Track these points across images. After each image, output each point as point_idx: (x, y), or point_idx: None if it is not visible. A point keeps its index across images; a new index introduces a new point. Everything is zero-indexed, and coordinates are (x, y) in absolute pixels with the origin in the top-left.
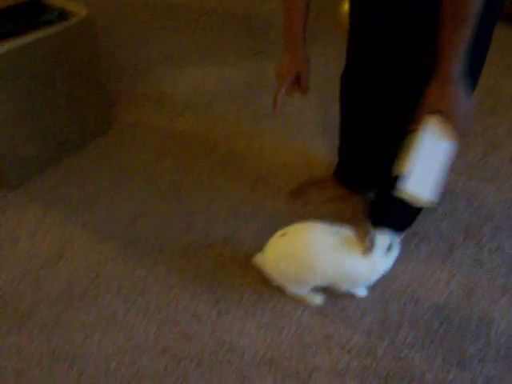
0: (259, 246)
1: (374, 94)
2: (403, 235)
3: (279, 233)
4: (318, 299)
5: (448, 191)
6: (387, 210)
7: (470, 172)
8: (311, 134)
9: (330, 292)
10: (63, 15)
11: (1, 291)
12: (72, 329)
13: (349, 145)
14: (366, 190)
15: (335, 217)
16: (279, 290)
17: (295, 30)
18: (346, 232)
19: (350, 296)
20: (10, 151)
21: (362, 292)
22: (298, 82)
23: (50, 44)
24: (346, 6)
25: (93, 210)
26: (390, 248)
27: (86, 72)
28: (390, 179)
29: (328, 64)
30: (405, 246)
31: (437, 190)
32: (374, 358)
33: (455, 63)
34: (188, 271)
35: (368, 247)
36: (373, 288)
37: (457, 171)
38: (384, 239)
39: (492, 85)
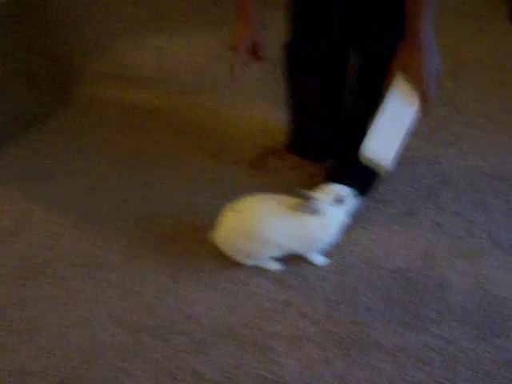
0: (218, 215)
1: (323, 63)
2: (363, 200)
3: (229, 208)
4: (275, 265)
5: (409, 155)
6: (345, 176)
7: (431, 136)
8: (270, 102)
9: (288, 260)
10: None
11: None
12: (29, 303)
13: (299, 117)
14: (322, 158)
15: (294, 185)
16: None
17: None
18: (291, 201)
19: (308, 263)
20: None
21: (321, 260)
22: (254, 51)
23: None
24: None
25: (50, 185)
26: (341, 201)
27: (39, 44)
28: (347, 145)
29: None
30: (364, 210)
31: (397, 158)
32: (332, 323)
33: (425, 22)
34: (146, 242)
35: (309, 212)
36: (332, 254)
37: (418, 136)
38: (329, 193)
39: (455, 49)
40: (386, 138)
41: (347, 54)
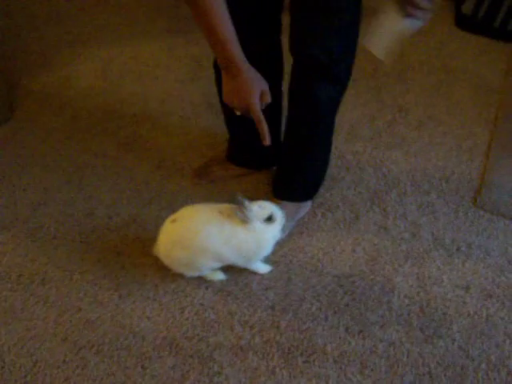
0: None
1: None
2: (309, 207)
3: (168, 220)
4: (219, 276)
5: (355, 160)
6: (288, 182)
7: (378, 140)
8: (217, 111)
9: (232, 270)
10: None
11: None
12: None
13: (235, 127)
14: (262, 166)
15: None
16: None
17: (235, 46)
18: (229, 208)
19: (252, 272)
20: None
21: (264, 269)
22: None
23: None
24: None
25: None
26: (270, 218)
27: None
28: (286, 153)
29: None
30: (310, 216)
31: (392, 55)
32: (276, 332)
33: None
34: (90, 257)
35: (241, 218)
36: (276, 262)
37: (364, 139)
38: (263, 210)
39: (402, 51)
40: (382, 35)
41: (279, 58)
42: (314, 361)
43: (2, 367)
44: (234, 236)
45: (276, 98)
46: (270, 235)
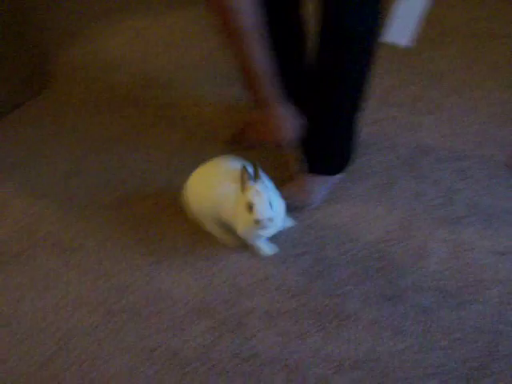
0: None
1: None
2: (343, 175)
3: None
4: (269, 248)
5: (389, 125)
6: (319, 154)
7: (411, 106)
8: None
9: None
10: None
11: None
12: (5, 291)
13: None
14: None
15: (270, 161)
16: (215, 238)
17: (270, 84)
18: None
19: (286, 237)
20: None
21: (266, 250)
22: None
23: None
24: None
25: (26, 172)
26: (250, 208)
27: (11, 29)
28: (316, 129)
29: None
30: (344, 182)
31: (414, 37)
32: (308, 297)
33: None
34: (123, 224)
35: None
36: (311, 227)
37: (397, 105)
38: (252, 196)
39: (436, 15)
40: (402, 21)
41: (301, 35)
42: (346, 326)
43: (40, 331)
44: (227, 199)
45: (298, 74)
46: (246, 221)
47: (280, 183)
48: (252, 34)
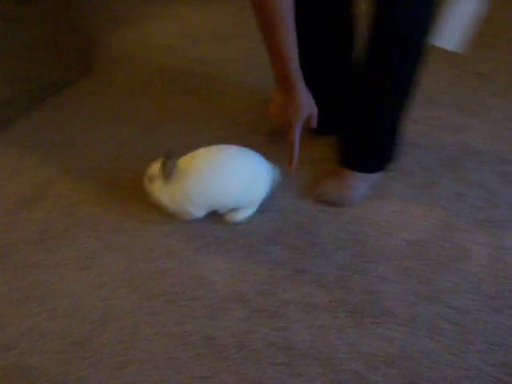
0: None
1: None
2: (384, 173)
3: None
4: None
5: (433, 125)
6: (361, 151)
7: (456, 106)
8: None
9: (304, 228)
10: None
11: None
12: (47, 268)
13: (312, 84)
14: (334, 132)
15: (312, 154)
16: (254, 229)
17: (294, 64)
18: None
19: (325, 232)
20: None
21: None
22: (306, 123)
23: None
24: None
25: (71, 152)
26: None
27: (60, 12)
28: (360, 118)
29: None
30: (384, 180)
31: (466, 42)
32: (345, 291)
33: None
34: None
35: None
36: (348, 223)
37: (442, 105)
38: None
39: (488, 15)
40: (453, 27)
41: (350, 33)
42: (381, 322)
43: (79, 309)
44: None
45: (344, 72)
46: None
47: (320, 177)
48: (285, 15)
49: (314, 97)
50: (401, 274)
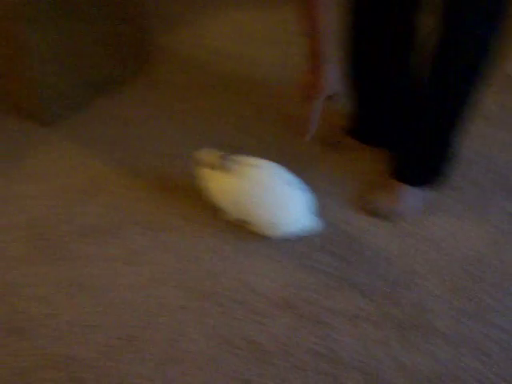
0: None
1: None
2: (436, 189)
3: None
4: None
5: (485, 143)
6: (414, 165)
7: (510, 122)
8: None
9: (353, 239)
10: None
11: (32, 222)
12: (96, 261)
13: (364, 98)
14: (387, 146)
15: (364, 166)
16: (304, 238)
17: (325, 43)
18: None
19: (376, 245)
20: (47, 88)
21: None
22: (329, 98)
23: None
24: None
25: (126, 148)
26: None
27: (122, 10)
28: (412, 133)
29: None
30: (437, 197)
31: None
32: (394, 305)
33: None
34: (215, 209)
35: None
36: (397, 237)
37: (496, 124)
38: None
39: None
40: None
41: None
42: (428, 338)
43: (126, 304)
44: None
45: (400, 85)
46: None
47: (370, 189)
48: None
49: (368, 108)
50: (450, 292)
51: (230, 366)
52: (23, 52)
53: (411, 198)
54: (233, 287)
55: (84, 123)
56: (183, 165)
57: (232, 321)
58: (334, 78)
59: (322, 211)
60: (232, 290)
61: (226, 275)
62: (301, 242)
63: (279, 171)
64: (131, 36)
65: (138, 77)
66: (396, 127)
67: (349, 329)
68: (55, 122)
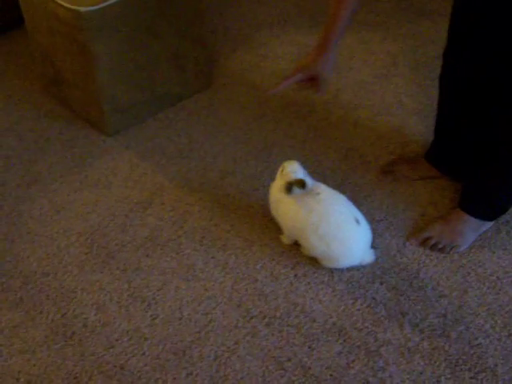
0: None
1: (475, 75)
2: (493, 222)
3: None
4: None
5: None
6: (480, 197)
7: None
8: (409, 111)
9: (408, 270)
10: None
11: (91, 230)
12: (152, 274)
13: (446, 125)
14: (458, 174)
15: (421, 197)
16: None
17: (335, 30)
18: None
19: (428, 277)
20: (112, 100)
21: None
22: (316, 82)
23: None
24: None
25: (184, 163)
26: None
27: (189, 27)
28: (486, 165)
29: (435, 42)
30: (494, 232)
31: None
32: (446, 341)
33: None
34: (270, 232)
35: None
36: (452, 271)
37: None
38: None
39: None
40: None
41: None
42: (481, 379)
43: (180, 319)
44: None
45: (489, 109)
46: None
47: (428, 221)
48: None
49: (447, 134)
50: (505, 332)
51: None
52: (91, 62)
53: (470, 231)
54: (287, 310)
55: (146, 136)
56: (240, 184)
57: (284, 343)
58: (326, 63)
59: (378, 241)
60: (286, 313)
61: (281, 298)
62: (356, 270)
63: (347, 205)
64: (196, 53)
65: (200, 94)
66: (470, 158)
67: (401, 361)
68: (118, 132)
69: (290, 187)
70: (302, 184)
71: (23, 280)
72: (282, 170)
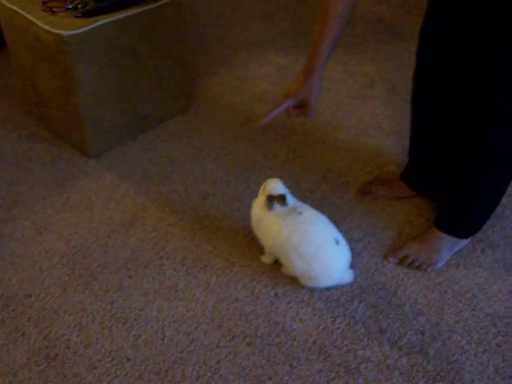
0: None
1: (444, 97)
2: (468, 241)
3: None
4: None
5: None
6: (454, 215)
7: None
8: (386, 132)
9: (386, 288)
10: None
11: (73, 251)
12: (134, 294)
13: (419, 146)
14: (432, 194)
15: (398, 216)
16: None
17: (320, 54)
18: None
19: (406, 295)
20: (93, 122)
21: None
22: (303, 109)
23: (141, 20)
24: None
25: (166, 184)
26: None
27: (171, 50)
28: (460, 184)
29: (411, 64)
30: (469, 250)
31: None
32: (424, 357)
33: None
34: (250, 252)
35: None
36: (428, 289)
37: None
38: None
39: None
40: None
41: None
42: None
43: (162, 339)
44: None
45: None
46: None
47: (404, 239)
48: (334, 18)
49: (420, 154)
50: (481, 348)
51: None
52: (73, 85)
53: (446, 248)
54: (268, 330)
55: (127, 157)
56: (221, 205)
57: (265, 362)
58: (313, 89)
59: (357, 260)
60: (267, 333)
61: (262, 317)
62: (336, 289)
63: (328, 225)
64: (176, 75)
65: (181, 115)
66: (444, 177)
67: (381, 379)
68: (100, 154)
69: (270, 202)
70: (282, 199)
71: (4, 302)
72: (265, 187)
